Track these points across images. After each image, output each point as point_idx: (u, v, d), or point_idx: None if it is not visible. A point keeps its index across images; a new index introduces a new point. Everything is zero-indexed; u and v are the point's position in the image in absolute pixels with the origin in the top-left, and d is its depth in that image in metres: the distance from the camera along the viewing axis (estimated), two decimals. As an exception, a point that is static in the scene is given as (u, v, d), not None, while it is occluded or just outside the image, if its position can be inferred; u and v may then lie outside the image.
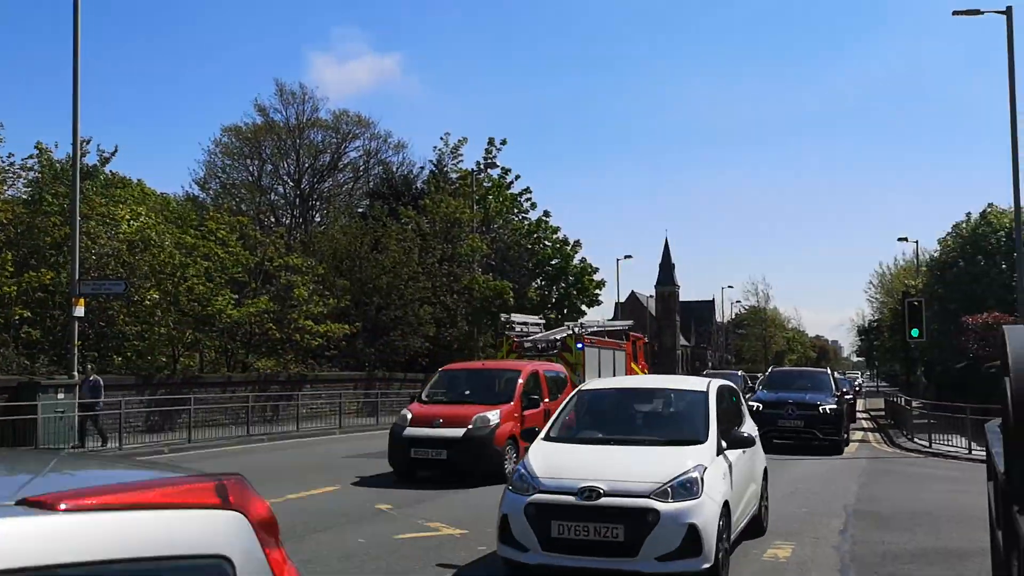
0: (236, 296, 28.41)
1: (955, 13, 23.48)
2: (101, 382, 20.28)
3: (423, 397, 16.34)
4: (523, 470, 7.73)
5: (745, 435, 8.70)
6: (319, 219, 52.36)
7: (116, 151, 33.13)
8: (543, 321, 38.80)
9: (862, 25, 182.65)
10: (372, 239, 37.45)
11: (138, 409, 22.83)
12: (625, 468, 7.51)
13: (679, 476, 7.25)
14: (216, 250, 28.05)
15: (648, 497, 7.10)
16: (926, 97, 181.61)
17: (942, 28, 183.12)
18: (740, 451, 8.53)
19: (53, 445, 18.56)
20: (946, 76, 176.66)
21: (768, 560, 8.83)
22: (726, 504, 7.54)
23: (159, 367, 26.61)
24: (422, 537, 9.89)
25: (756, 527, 9.52)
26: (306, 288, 30.58)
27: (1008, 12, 22.77)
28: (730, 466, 8.03)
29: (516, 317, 35.59)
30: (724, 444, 8.12)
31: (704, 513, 7.12)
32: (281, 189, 53.75)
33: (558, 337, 30.20)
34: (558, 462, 7.78)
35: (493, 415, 14.77)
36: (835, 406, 21.63)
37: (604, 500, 7.14)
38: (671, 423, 9.09)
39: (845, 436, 22.89)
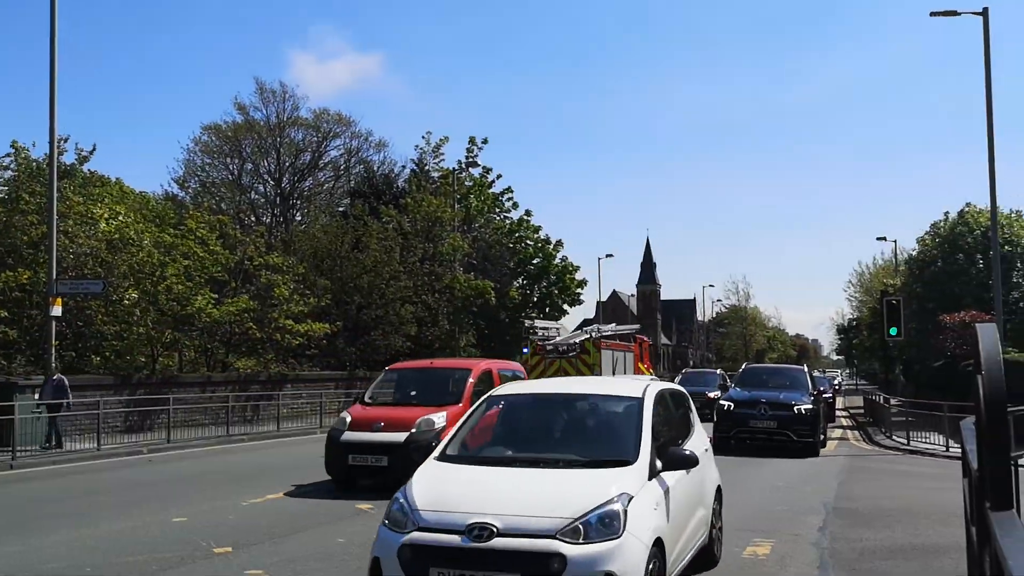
0: (216, 295, 28.26)
1: (932, 14, 23.72)
2: (66, 382, 19.97)
3: (366, 399, 15.19)
4: (402, 499, 6.14)
5: (687, 453, 6.96)
6: (300, 218, 52.19)
7: (94, 149, 32.90)
8: (560, 325, 45.07)
9: (842, 26, 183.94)
10: (353, 238, 37.37)
11: (117, 409, 22.66)
12: (530, 498, 5.96)
13: (596, 509, 5.72)
14: (195, 249, 27.89)
15: (554, 537, 5.62)
16: (905, 97, 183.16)
17: (920, 29, 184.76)
18: (684, 471, 6.98)
19: (30, 446, 18.41)
20: (925, 76, 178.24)
21: (748, 557, 8.88)
22: (658, 542, 6.08)
23: (138, 367, 26.44)
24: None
25: (706, 559, 8.05)
26: (287, 287, 30.48)
27: (984, 13, 23.00)
28: (667, 492, 6.50)
29: (538, 323, 43.05)
30: (660, 464, 6.58)
31: (626, 557, 5.64)
32: (261, 188, 53.53)
33: (577, 340, 33.02)
34: (447, 489, 6.21)
35: (439, 418, 13.48)
36: (810, 406, 20.39)
37: (497, 541, 5.66)
38: (595, 439, 7.30)
39: (821, 437, 21.60)
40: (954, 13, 23.34)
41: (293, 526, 10.41)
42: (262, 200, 53.24)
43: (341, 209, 49.18)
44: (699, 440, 8.30)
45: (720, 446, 19.46)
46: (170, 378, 26.36)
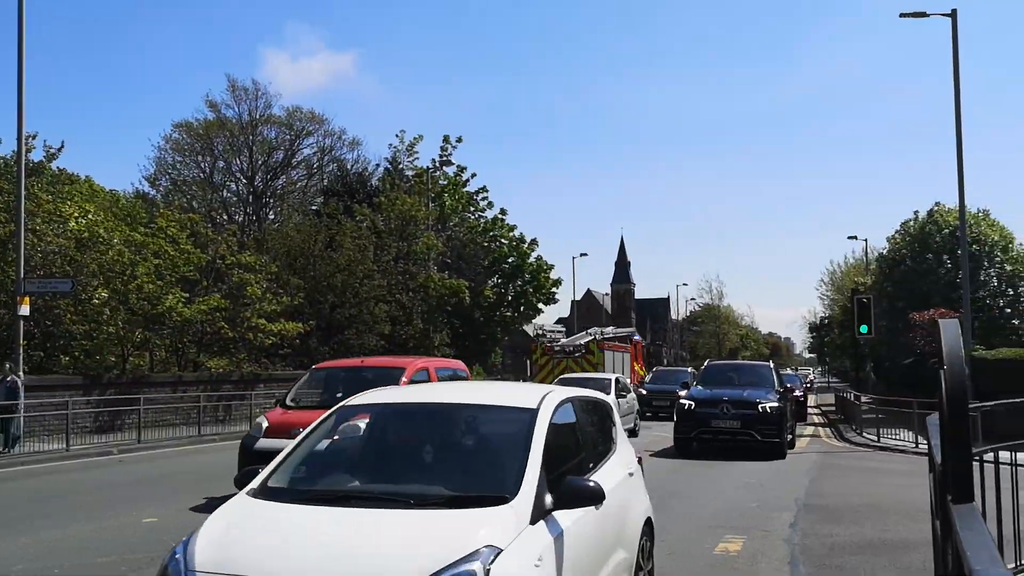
0: (187, 295, 28.03)
1: (902, 15, 23.99)
2: (20, 383, 19.71)
3: (287, 401, 13.77)
4: (180, 555, 4.38)
5: (589, 485, 4.95)
6: (273, 217, 51.84)
7: (63, 147, 32.48)
8: (564, 329, 48.85)
9: (813, 28, 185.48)
10: (326, 237, 37.19)
11: (86, 410, 22.42)
12: (358, 555, 4.23)
13: (446, 570, 4.02)
14: (166, 248, 27.64)
15: None
16: (877, 98, 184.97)
17: (891, 30, 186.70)
18: (590, 507, 5.13)
19: (-2, 447, 18.18)
20: (896, 77, 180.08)
21: (719, 554, 8.94)
22: None
23: (108, 367, 26.16)
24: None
25: None
26: (259, 286, 30.27)
27: (953, 15, 23.28)
28: (559, 538, 4.71)
29: (546, 326, 45.47)
30: (551, 501, 4.80)
31: None
32: (233, 186, 53.11)
33: (582, 342, 36.42)
34: (244, 543, 4.41)
35: (365, 423, 12.28)
36: (776, 404, 19.12)
37: None
38: (468, 466, 5.35)
39: (789, 437, 20.36)
40: (923, 14, 23.61)
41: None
42: (234, 199, 52.84)
43: (314, 208, 48.92)
44: (620, 461, 6.54)
45: (681, 448, 19.28)
46: (140, 378, 26.12)
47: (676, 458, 18.57)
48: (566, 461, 5.48)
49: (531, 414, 5.30)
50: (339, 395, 12.88)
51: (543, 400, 5.53)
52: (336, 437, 5.90)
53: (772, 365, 22.97)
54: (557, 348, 36.26)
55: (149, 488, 14.24)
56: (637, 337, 47.65)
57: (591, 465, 5.90)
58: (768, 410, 18.80)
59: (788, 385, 22.53)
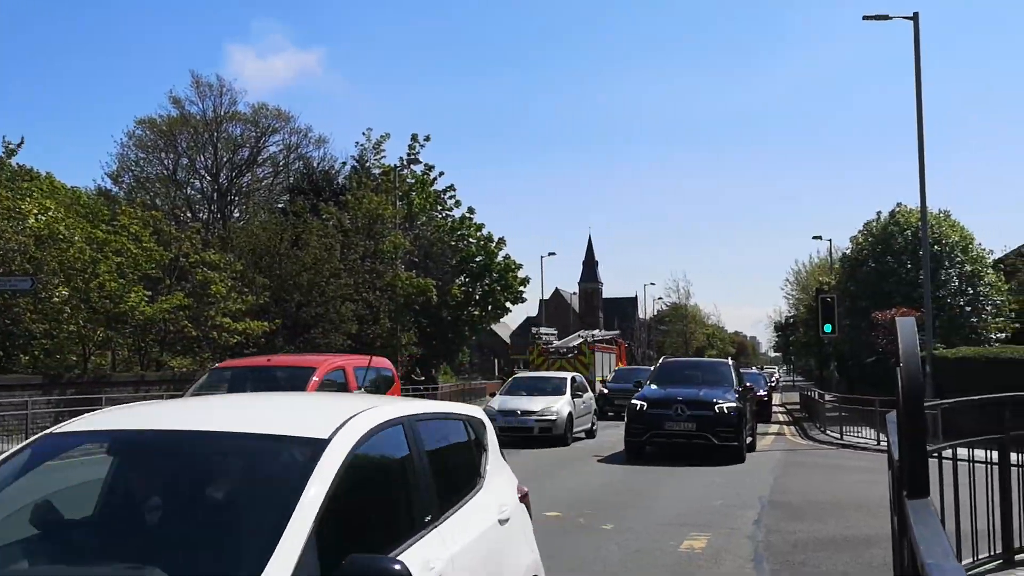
0: (150, 293, 27.68)
1: (865, 18, 24.25)
2: None
3: None
4: None
5: (391, 569, 2.97)
6: (238, 215, 51.38)
7: (22, 143, 31.98)
8: (556, 331, 54.04)
9: (779, 32, 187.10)
10: (292, 235, 36.89)
11: (46, 409, 22.05)
12: None
13: None
14: (129, 246, 27.27)
15: None
16: (841, 99, 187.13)
17: (855, 33, 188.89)
18: None
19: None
20: (859, 79, 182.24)
21: (684, 551, 8.98)
22: None
23: (68, 366, 25.77)
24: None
25: None
26: (224, 285, 29.96)
27: (915, 18, 23.58)
28: None
29: (543, 329, 50.47)
30: None
31: None
32: (198, 183, 52.56)
33: (575, 344, 39.34)
34: None
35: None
36: (735, 404, 17.76)
37: None
38: (198, 536, 3.29)
39: (749, 439, 19.06)
40: (886, 17, 23.90)
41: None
42: (198, 196, 52.30)
43: (280, 206, 48.51)
44: (488, 504, 4.59)
45: (632, 452, 18.16)
46: (102, 377, 25.76)
47: (639, 456, 18.60)
48: (372, 524, 3.65)
49: (314, 449, 3.37)
50: None
51: (343, 426, 3.55)
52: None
53: (731, 362, 21.50)
54: (552, 349, 38.88)
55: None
56: (621, 339, 52.38)
57: (429, 519, 3.88)
58: (726, 411, 17.49)
59: (748, 384, 20.92)
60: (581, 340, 40.56)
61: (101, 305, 25.73)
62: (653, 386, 19.18)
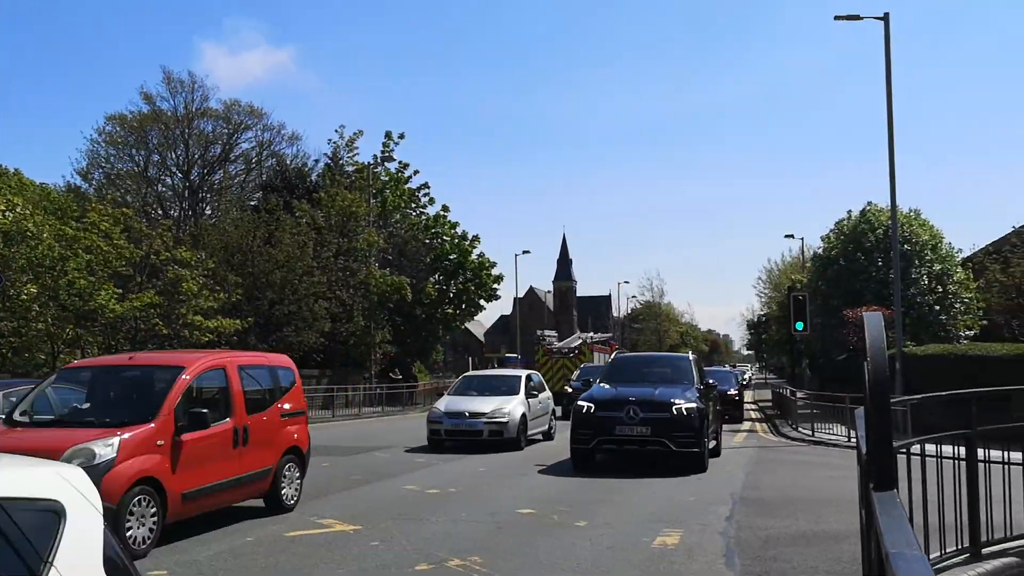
0: (120, 291, 27.39)
1: (837, 18, 24.44)
2: None
3: (16, 415, 9.89)
4: None
5: None
6: (209, 212, 50.95)
7: (-10, 138, 31.53)
8: (556, 333, 61.82)
9: (753, 31, 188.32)
10: (265, 233, 36.67)
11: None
12: None
13: None
14: (99, 243, 26.96)
15: None
16: (814, 99, 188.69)
17: (827, 33, 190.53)
18: None
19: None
20: (831, 79, 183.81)
21: (656, 548, 9.02)
22: None
23: (37, 364, 25.46)
24: (314, 534, 9.75)
25: None
26: (195, 282, 29.71)
27: (885, 18, 23.81)
28: None
29: (547, 332, 57.95)
30: None
31: None
32: (169, 180, 52.08)
33: (575, 345, 43.70)
34: None
35: (103, 446, 8.65)
36: (696, 404, 15.41)
37: None
38: None
39: (712, 444, 16.97)
40: (857, 17, 24.10)
41: (198, 526, 10.18)
42: (170, 193, 51.82)
43: (253, 203, 48.18)
44: None
45: (579, 461, 15.61)
46: (71, 376, 25.43)
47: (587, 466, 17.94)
48: None
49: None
50: (86, 405, 10.46)
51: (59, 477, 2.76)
52: None
53: (692, 357, 18.65)
54: (555, 350, 42.95)
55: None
56: (613, 340, 60.01)
57: None
58: (685, 412, 15.16)
59: (711, 381, 18.28)
60: (581, 341, 45.18)
61: (70, 303, 25.44)
62: (604, 385, 16.76)
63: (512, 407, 20.03)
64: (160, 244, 30.35)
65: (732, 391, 30.20)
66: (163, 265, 30.03)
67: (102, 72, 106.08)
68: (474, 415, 19.62)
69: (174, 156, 51.07)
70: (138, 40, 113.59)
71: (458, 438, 19.49)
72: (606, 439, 15.41)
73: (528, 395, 21.19)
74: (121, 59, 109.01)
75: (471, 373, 25.78)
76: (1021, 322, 31.24)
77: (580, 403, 15.99)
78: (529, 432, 20.75)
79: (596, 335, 56.15)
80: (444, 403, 20.88)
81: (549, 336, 55.64)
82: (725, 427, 24.29)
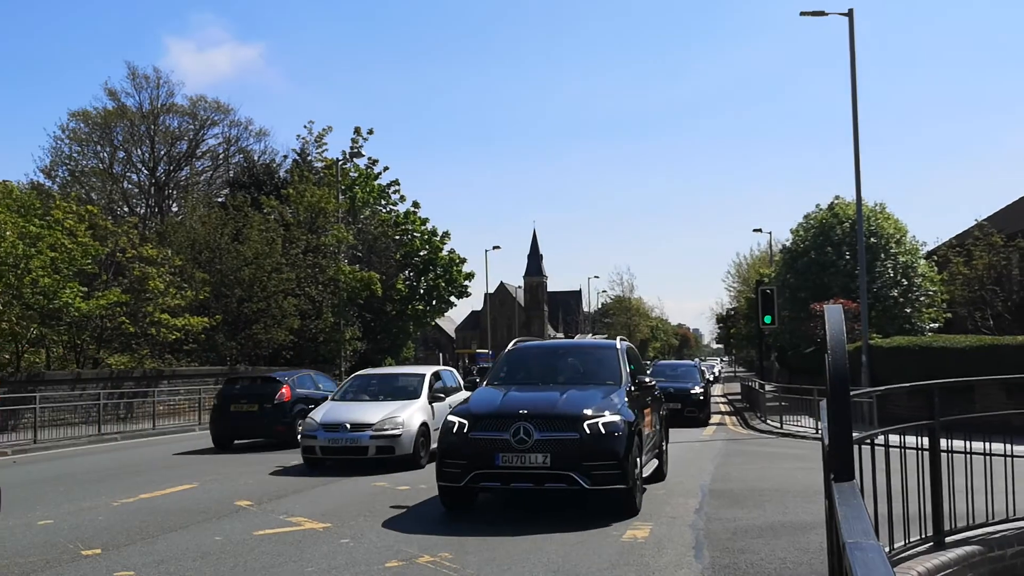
0: (85, 289, 27.06)
1: (802, 14, 24.63)
2: None
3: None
4: None
5: None
6: (176, 209, 50.48)
7: (-50, 135, 30.99)
8: (560, 334, 63.15)
9: (721, 26, 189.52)
10: (233, 229, 36.37)
11: (-23, 410, 21.49)
12: None
13: None
14: (63, 240, 26.62)
15: None
16: (781, 94, 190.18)
17: (793, 28, 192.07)
18: None
19: None
20: (798, 73, 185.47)
21: (627, 541, 9.06)
22: None
23: (1, 364, 25.11)
24: (283, 532, 9.69)
25: None
26: (162, 280, 29.42)
27: (849, 14, 24.04)
28: None
29: (551, 332, 60.57)
30: None
31: None
32: (135, 177, 51.56)
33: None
34: None
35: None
36: (619, 417, 10.25)
37: None
38: None
39: (651, 468, 12.42)
40: (822, 13, 24.31)
41: (167, 525, 10.08)
42: (135, 190, 51.29)
43: (220, 199, 47.79)
44: None
45: (451, 501, 10.69)
46: (36, 375, 25.12)
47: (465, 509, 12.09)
48: None
49: None
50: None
51: None
52: None
53: (622, 345, 12.62)
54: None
55: (45, 489, 13.69)
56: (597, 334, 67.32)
57: None
58: (602, 430, 10.01)
59: (648, 381, 12.53)
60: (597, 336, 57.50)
61: (34, 301, 25.10)
62: (490, 387, 11.55)
63: (407, 415, 15.67)
64: (126, 241, 30.04)
65: (696, 389, 26.93)
66: (129, 263, 29.73)
67: (65, 68, 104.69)
68: (357, 427, 15.35)
69: (139, 153, 50.57)
70: (102, 35, 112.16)
71: (336, 456, 15.48)
72: (486, 473, 10.10)
73: (433, 399, 16.77)
74: (85, 54, 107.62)
75: (364, 371, 19.92)
76: (984, 314, 31.72)
77: (450, 419, 10.65)
78: (432, 446, 15.75)
79: (595, 336, 63.68)
80: (321, 412, 16.14)
81: (555, 337, 61.97)
82: (690, 429, 24.23)
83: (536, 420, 9.98)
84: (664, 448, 13.59)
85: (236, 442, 20.01)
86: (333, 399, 17.21)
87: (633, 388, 11.31)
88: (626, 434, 10.07)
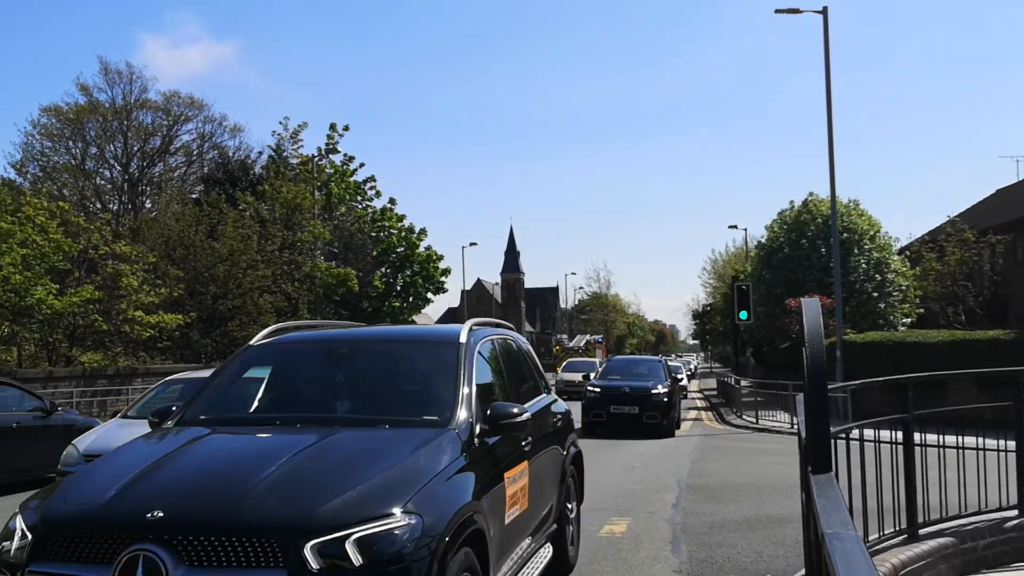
0: (58, 286, 26.75)
1: (777, 11, 24.78)
2: None
3: None
4: None
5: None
6: (150, 205, 50.02)
7: (-82, 130, 30.53)
8: (566, 336, 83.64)
9: (697, 23, 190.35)
10: (207, 226, 36.05)
11: (-53, 409, 21.16)
12: None
13: None
14: (34, 237, 26.28)
15: None
16: (756, 91, 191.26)
17: (768, 25, 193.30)
18: None
19: None
20: (773, 71, 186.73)
21: (604, 536, 9.10)
22: None
23: (-29, 363, 24.80)
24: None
25: None
26: (135, 277, 29.14)
27: (824, 12, 24.23)
28: None
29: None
30: None
31: None
32: (107, 173, 50.98)
33: (582, 343, 58.03)
34: None
35: None
36: (401, 528, 3.97)
37: None
38: None
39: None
40: (797, 11, 24.47)
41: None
42: (108, 186, 50.74)
43: (194, 196, 47.39)
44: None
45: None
46: (7, 374, 24.80)
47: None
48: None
49: None
50: None
51: None
52: None
53: (474, 338, 6.17)
54: (564, 348, 59.61)
55: (13, 488, 13.52)
56: (600, 339, 79.63)
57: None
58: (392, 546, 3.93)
59: (537, 403, 7.02)
60: (586, 340, 64.95)
61: (6, 299, 24.79)
62: (150, 439, 5.52)
63: None
64: (99, 238, 29.74)
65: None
66: (102, 260, 29.43)
67: (37, 62, 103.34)
68: None
69: (112, 148, 50.03)
70: (76, 31, 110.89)
71: None
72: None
73: None
74: (57, 50, 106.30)
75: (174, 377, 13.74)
76: (956, 310, 32.08)
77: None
78: None
79: (592, 336, 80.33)
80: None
81: (562, 337, 72.61)
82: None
83: (180, 540, 3.93)
84: (573, 515, 7.86)
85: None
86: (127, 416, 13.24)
87: (485, 428, 5.38)
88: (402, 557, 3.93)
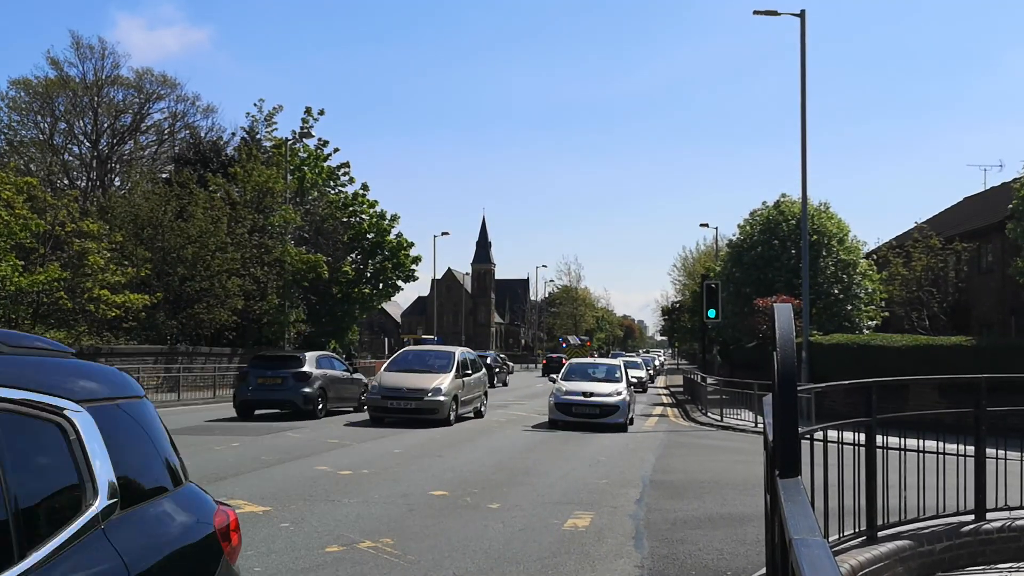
0: (23, 263, 26.33)
1: (755, 13, 24.87)
2: None
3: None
4: None
5: None
6: (119, 183, 49.35)
7: None
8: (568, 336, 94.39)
9: (674, 21, 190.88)
10: (177, 206, 35.66)
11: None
12: None
13: None
14: (0, 212, 25.86)
15: None
16: (732, 91, 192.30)
17: (746, 26, 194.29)
18: None
19: None
20: (749, 72, 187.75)
21: (567, 530, 9.13)
22: None
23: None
24: (221, 515, 9.56)
25: None
26: (102, 256, 28.75)
27: (801, 15, 24.36)
28: None
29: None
30: None
31: None
32: (76, 150, 50.23)
33: (580, 340, 69.30)
34: None
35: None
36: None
37: None
38: None
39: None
40: (775, 13, 24.59)
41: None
42: (76, 163, 49.99)
43: (165, 176, 46.80)
44: None
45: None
46: (-32, 350, 24.41)
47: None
48: None
49: None
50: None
51: None
52: None
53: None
54: (570, 342, 70.23)
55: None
56: (587, 339, 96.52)
57: None
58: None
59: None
60: (585, 339, 77.40)
61: (-32, 274, 24.37)
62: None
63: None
64: (65, 215, 29.29)
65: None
66: (68, 237, 29.00)
67: (6, 34, 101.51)
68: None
69: (82, 124, 49.31)
70: (49, 4, 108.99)
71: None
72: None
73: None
74: (29, 23, 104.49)
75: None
76: (920, 315, 32.50)
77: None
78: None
79: (587, 337, 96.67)
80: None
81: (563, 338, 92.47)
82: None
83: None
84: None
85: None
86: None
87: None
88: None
